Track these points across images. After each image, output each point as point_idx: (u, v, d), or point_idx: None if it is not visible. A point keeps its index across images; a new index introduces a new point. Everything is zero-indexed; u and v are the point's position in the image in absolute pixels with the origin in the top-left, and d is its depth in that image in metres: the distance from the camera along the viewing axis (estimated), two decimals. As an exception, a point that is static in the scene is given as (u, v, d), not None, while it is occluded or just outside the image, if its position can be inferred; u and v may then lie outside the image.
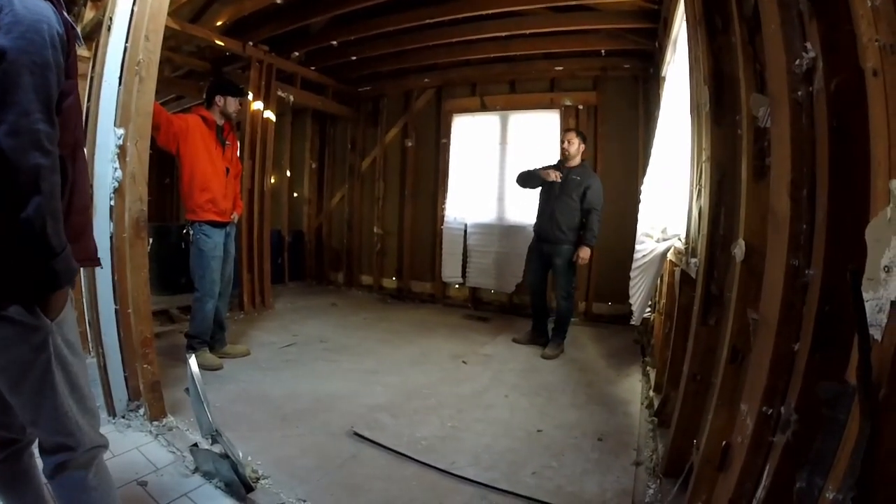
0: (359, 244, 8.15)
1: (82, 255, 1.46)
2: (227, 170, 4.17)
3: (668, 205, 3.59)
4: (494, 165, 6.92)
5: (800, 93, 1.27)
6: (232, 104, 4.17)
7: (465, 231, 7.06)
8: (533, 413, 3.43)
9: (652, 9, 4.73)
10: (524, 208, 6.23)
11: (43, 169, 1.29)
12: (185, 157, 3.97)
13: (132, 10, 2.95)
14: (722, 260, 2.10)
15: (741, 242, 1.73)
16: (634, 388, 3.90)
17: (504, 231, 6.75)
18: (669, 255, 3.37)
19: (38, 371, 1.43)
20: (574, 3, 4.85)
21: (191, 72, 6.90)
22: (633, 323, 4.40)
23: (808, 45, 1.23)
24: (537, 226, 5.08)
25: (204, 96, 4.26)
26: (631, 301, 4.17)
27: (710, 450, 1.75)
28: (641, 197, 4.45)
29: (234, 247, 4.37)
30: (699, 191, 2.44)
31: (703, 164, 2.31)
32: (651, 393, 3.52)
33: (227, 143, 4.21)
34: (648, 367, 4.11)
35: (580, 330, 5.77)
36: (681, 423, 2.34)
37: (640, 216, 4.33)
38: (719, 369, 1.83)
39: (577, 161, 4.93)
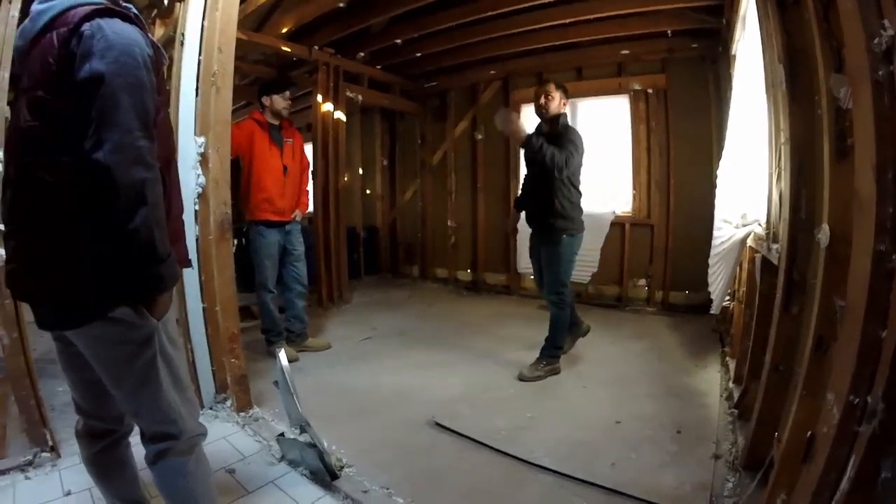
0: (432, 237, 8.25)
1: (177, 257, 1.56)
2: (285, 168, 4.28)
3: (746, 189, 3.46)
4: (565, 154, 6.80)
5: (881, 73, 1.22)
6: (278, 101, 4.27)
7: (539, 221, 6.96)
8: (610, 404, 3.40)
9: (715, -16, 4.54)
10: (598, 195, 6.16)
11: (147, 182, 1.39)
12: (244, 160, 4.16)
13: (202, 25, 3.10)
14: (804, 245, 2.02)
15: (825, 227, 1.67)
16: (713, 378, 3.80)
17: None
18: (749, 242, 3.25)
19: (144, 366, 1.55)
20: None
21: (258, 79, 7.13)
22: (712, 312, 4.19)
23: (886, 22, 1.18)
24: (527, 218, 4.14)
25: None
26: (710, 290, 4.03)
27: (793, 441, 1.70)
28: (717, 181, 4.28)
29: (301, 243, 4.49)
30: (779, 173, 2.35)
31: (782, 146, 2.23)
32: (730, 384, 3.42)
33: (288, 140, 4.34)
34: (727, 358, 3.97)
35: (657, 319, 5.66)
36: (762, 415, 2.27)
37: (716, 201, 4.18)
38: (803, 359, 1.77)
39: (553, 118, 3.92)
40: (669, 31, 5.69)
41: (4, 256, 1.62)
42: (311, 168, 4.95)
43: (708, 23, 5.19)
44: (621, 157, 6.25)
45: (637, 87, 6.13)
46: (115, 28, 1.42)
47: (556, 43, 6.20)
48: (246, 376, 3.26)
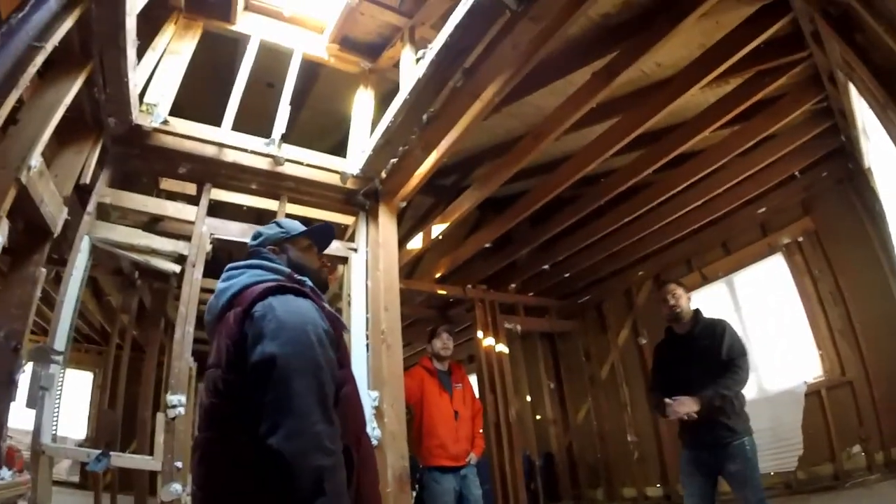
0: (614, 455, 7.70)
1: None
2: (456, 413, 4.36)
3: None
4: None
5: None
6: (436, 344, 4.52)
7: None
8: None
9: (822, 107, 4.47)
10: (781, 369, 5.68)
11: (326, 470, 1.27)
12: (415, 407, 4.29)
13: (367, 286, 3.49)
14: None
15: None
16: None
17: (768, 402, 5.81)
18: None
19: None
20: (755, 140, 4.75)
21: (417, 320, 7.62)
22: None
23: None
24: (685, 431, 3.64)
25: None
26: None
27: None
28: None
29: (478, 486, 4.37)
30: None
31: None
32: None
33: (458, 385, 4.48)
34: None
35: (886, 485, 4.66)
36: None
37: None
38: None
39: (690, 316, 3.69)
40: (797, 172, 5.54)
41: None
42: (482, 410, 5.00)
43: (830, 145, 5.06)
44: (794, 319, 5.74)
45: (787, 239, 5.83)
46: (287, 306, 1.44)
47: (697, 225, 6.24)
48: None
